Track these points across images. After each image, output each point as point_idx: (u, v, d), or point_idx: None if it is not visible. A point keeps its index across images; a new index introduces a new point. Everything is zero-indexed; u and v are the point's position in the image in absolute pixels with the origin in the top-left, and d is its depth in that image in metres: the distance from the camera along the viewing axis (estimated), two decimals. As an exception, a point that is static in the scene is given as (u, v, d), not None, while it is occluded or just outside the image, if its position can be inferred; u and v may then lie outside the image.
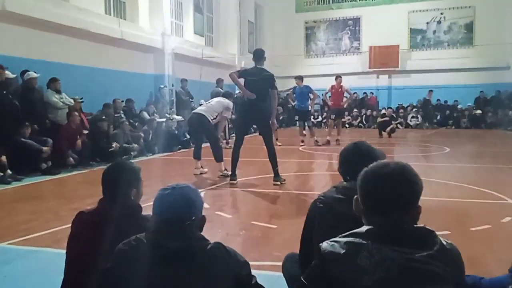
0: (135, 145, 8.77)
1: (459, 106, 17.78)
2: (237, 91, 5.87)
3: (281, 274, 2.16)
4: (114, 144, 8.08)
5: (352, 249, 1.19)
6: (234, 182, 5.94)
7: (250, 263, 3.07)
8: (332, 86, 11.16)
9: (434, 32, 19.17)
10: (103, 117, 8.42)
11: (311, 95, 11.23)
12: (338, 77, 11.14)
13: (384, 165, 1.31)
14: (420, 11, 19.08)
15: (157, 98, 11.81)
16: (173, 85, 12.25)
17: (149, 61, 12.04)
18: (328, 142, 10.83)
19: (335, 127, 11.39)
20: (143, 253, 1.39)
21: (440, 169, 7.41)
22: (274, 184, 5.82)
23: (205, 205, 4.68)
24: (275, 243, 3.51)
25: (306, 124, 11.21)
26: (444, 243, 1.24)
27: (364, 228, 1.24)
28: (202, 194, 5.11)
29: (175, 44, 12.68)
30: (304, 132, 11.19)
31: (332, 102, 11.25)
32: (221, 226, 4.02)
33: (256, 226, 3.95)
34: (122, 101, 9.61)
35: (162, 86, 11.90)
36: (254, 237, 3.70)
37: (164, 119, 10.75)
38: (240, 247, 3.47)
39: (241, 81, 5.90)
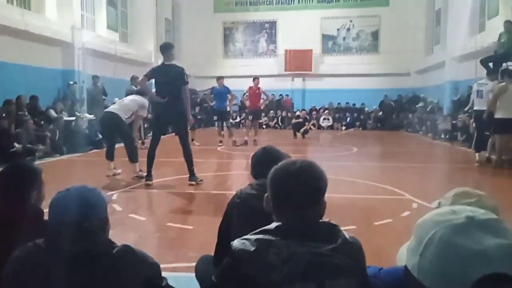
0: (40, 146, 8.16)
1: (365, 109, 19.05)
2: (153, 90, 5.73)
3: (196, 275, 2.17)
4: (16, 145, 7.45)
5: (261, 246, 1.21)
6: (150, 183, 5.77)
7: (165, 265, 3.03)
8: (250, 88, 11.36)
9: (344, 38, 20.34)
10: (3, 114, 7.73)
11: (229, 96, 11.31)
12: (255, 78, 11.36)
13: (291, 163, 1.37)
14: (331, 18, 20.11)
15: (65, 95, 11.09)
16: (83, 82, 11.60)
17: (57, 55, 11.27)
18: (245, 143, 10.99)
19: (252, 127, 11.59)
20: (41, 260, 1.31)
21: (348, 168, 7.87)
22: (190, 184, 5.75)
23: (118, 208, 4.52)
24: (191, 244, 3.49)
25: (224, 124, 11.27)
26: (347, 236, 1.30)
27: (273, 225, 1.27)
28: (115, 196, 4.95)
29: (86, 38, 12.01)
30: (222, 132, 11.24)
31: (250, 103, 11.45)
32: (135, 229, 3.90)
33: (171, 228, 3.89)
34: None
35: (71, 82, 11.20)
36: (169, 239, 3.64)
37: (73, 118, 10.13)
38: (155, 249, 3.39)
39: (152, 82, 5.72)
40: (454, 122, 12.32)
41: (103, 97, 11.69)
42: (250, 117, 11.58)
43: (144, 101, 6.63)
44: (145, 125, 11.40)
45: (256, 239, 1.23)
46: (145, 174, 5.99)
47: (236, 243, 1.25)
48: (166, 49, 5.80)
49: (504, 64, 10.08)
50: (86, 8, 13.25)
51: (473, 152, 8.29)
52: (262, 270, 1.18)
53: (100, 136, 9.79)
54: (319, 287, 1.19)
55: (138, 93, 7.08)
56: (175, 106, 5.66)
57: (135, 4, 16.14)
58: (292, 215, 1.29)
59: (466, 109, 11.58)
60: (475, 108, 8.14)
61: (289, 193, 1.30)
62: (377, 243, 3.32)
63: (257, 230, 1.27)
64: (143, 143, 10.14)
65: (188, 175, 5.84)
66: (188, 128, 5.96)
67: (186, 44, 20.25)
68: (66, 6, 11.32)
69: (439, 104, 15.36)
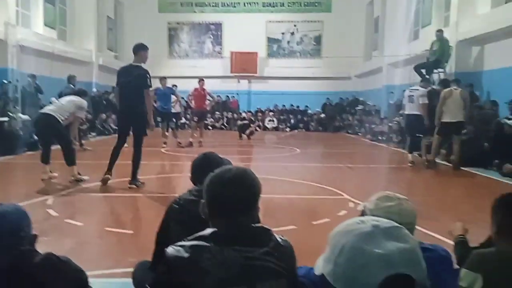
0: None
1: (309, 111, 19.56)
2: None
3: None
4: None
5: (196, 252, 1.23)
6: (108, 177, 5.70)
7: (103, 271, 2.98)
8: (195, 89, 11.30)
9: (288, 42, 20.77)
10: None
11: (173, 97, 11.17)
12: (201, 80, 11.31)
13: (226, 170, 1.40)
14: (276, 21, 20.47)
15: (-2, 95, 10.44)
16: (17, 81, 10.97)
17: (-11, 53, 10.59)
18: (190, 144, 10.92)
19: (198, 129, 11.53)
20: None
21: (291, 169, 8.06)
22: (129, 187, 5.63)
23: (54, 213, 4.35)
24: (131, 248, 3.43)
25: (168, 125, 11.12)
26: (279, 239, 1.36)
27: (208, 231, 1.30)
28: (50, 201, 4.75)
29: (21, 35, 11.38)
30: (166, 133, 11.08)
31: (195, 104, 11.38)
32: (71, 235, 3.77)
33: (110, 233, 3.80)
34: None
35: (5, 81, 10.57)
36: (108, 245, 3.56)
37: (6, 118, 9.56)
38: (93, 255, 3.31)
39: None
40: (390, 124, 12.97)
41: (39, 95, 11.12)
42: (196, 118, 11.52)
43: (82, 102, 6.38)
44: (86, 126, 11.01)
45: (191, 246, 1.25)
46: (84, 177, 5.91)
47: (171, 250, 1.25)
48: (138, 49, 5.77)
49: (435, 71, 10.81)
50: (21, 4, 12.54)
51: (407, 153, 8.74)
52: (196, 276, 1.20)
53: (36, 138, 9.31)
54: None
55: (76, 93, 6.81)
56: (136, 107, 5.64)
57: (75, 0, 15.52)
58: (226, 221, 1.32)
59: (401, 112, 12.26)
60: (406, 112, 8.53)
61: (224, 200, 1.34)
62: (315, 242, 3.42)
63: (192, 236, 1.29)
64: (81, 145, 9.79)
65: (130, 178, 5.72)
66: (147, 132, 5.94)
67: (129, 43, 19.64)
68: (-2, 2, 10.68)
69: (376, 107, 16.10)
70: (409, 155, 8.34)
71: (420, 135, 8.44)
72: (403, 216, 1.51)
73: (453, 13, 11.13)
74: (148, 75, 5.69)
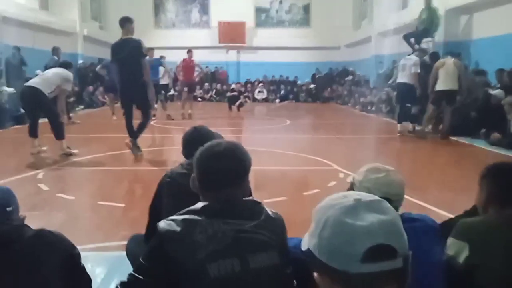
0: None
1: (298, 82, 19.47)
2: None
3: (128, 253, 2.19)
4: None
5: (187, 226, 1.24)
6: (139, 153, 5.78)
7: (96, 245, 3.01)
8: (184, 60, 11.13)
9: (277, 11, 20.40)
10: None
11: (161, 68, 11.01)
12: (189, 51, 11.13)
13: (216, 144, 1.41)
14: (264, -10, 20.04)
15: (-20, 68, 10.20)
16: (1, 53, 10.70)
17: (-32, 24, 10.27)
18: (184, 116, 10.83)
19: (186, 101, 11.44)
20: None
21: (281, 140, 8.10)
22: (126, 144, 5.70)
23: (44, 187, 4.35)
24: (123, 222, 3.47)
25: (157, 97, 11.00)
26: (270, 212, 1.38)
27: (199, 205, 1.31)
28: (40, 175, 4.74)
29: (2, 6, 11.01)
30: (155, 106, 10.98)
31: (184, 76, 11.24)
32: (63, 209, 3.78)
33: (102, 206, 3.82)
34: None
35: (-14, 53, 10.31)
36: (100, 218, 3.59)
37: (-10, 92, 9.38)
38: (85, 229, 3.34)
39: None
40: (379, 94, 13.01)
41: (23, 67, 10.89)
42: (186, 89, 11.40)
43: (68, 74, 6.26)
44: (73, 99, 10.86)
45: (182, 219, 1.26)
46: (73, 151, 5.93)
47: (163, 224, 1.27)
48: (124, 22, 5.81)
49: (424, 40, 10.77)
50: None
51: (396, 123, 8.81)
52: (188, 250, 1.22)
53: (23, 111, 9.17)
54: (241, 261, 1.25)
55: (61, 65, 6.66)
56: (135, 80, 5.69)
57: (56, -32, 14.98)
58: (217, 195, 1.33)
59: (390, 82, 12.25)
60: (398, 81, 8.54)
61: (214, 173, 1.35)
62: (306, 212, 3.48)
63: (183, 211, 1.30)
64: (69, 118, 9.68)
65: (130, 137, 5.76)
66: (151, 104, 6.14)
67: (114, 13, 19.17)
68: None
69: (365, 77, 16.08)
70: (398, 125, 8.40)
71: (410, 105, 8.50)
72: (391, 187, 1.54)
73: (442, -19, 10.99)
74: (141, 45, 5.76)
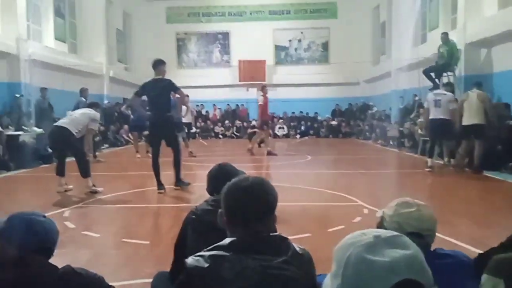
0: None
1: (318, 118, 19.54)
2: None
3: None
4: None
5: (215, 262, 1.24)
6: (162, 191, 6.01)
7: (121, 283, 3.01)
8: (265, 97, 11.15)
9: (296, 49, 20.83)
10: None
11: (184, 107, 11.23)
12: (264, 86, 11.41)
13: (244, 179, 1.42)
14: (283, 29, 20.56)
15: (12, 109, 10.62)
16: (30, 95, 11.15)
17: (2, 68, 10.78)
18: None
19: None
20: None
21: (303, 176, 8.06)
22: (175, 189, 6.08)
23: (70, 225, 4.41)
24: (148, 259, 3.46)
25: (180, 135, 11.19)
26: (297, 248, 1.37)
27: (227, 241, 1.31)
28: (67, 213, 4.81)
29: (33, 50, 11.58)
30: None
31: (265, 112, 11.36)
32: (88, 246, 3.81)
33: (127, 244, 3.83)
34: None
35: (18, 95, 10.75)
36: (125, 255, 3.59)
37: (21, 132, 9.72)
38: (110, 267, 3.34)
39: (140, 99, 6.50)
40: (401, 129, 12.90)
41: (51, 110, 11.29)
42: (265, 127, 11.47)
43: (96, 114, 6.48)
44: (96, 139, 11.11)
45: (210, 256, 1.26)
46: (98, 189, 6.00)
47: (190, 260, 1.27)
48: (157, 64, 6.28)
49: (444, 74, 10.76)
50: (32, 19, 12.77)
51: (426, 157, 8.47)
52: (216, 286, 1.21)
53: (50, 151, 9.44)
54: None
55: (89, 105, 6.92)
56: (165, 118, 6.10)
57: (84, 14, 15.76)
58: (244, 230, 1.33)
59: (411, 116, 12.16)
60: (432, 117, 8.13)
61: (241, 208, 1.35)
62: (331, 249, 3.43)
63: (211, 246, 1.31)
64: (95, 157, 9.89)
65: (175, 181, 6.18)
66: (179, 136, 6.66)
67: (138, 55, 19.97)
68: (10, 17, 10.87)
69: (386, 112, 16.04)
70: (429, 159, 8.16)
71: (447, 140, 8.39)
72: (423, 222, 1.51)
73: (460, 16, 11.08)
74: (172, 82, 6.26)
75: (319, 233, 4.10)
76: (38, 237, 1.45)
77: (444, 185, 7.09)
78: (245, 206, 1.36)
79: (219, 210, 1.44)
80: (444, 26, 12.60)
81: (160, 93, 6.07)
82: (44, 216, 1.55)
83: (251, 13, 20.66)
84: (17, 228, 1.43)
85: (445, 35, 10.34)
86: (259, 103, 11.38)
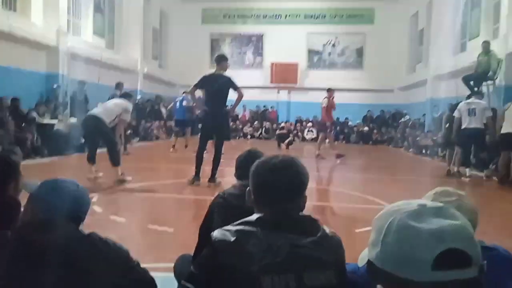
0: (18, 149, 8.00)
1: (349, 123, 19.26)
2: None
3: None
4: (-5, 146, 7.32)
5: (242, 236, 1.21)
6: (198, 183, 6.00)
7: (145, 265, 2.99)
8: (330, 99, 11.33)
9: (329, 54, 20.64)
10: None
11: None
12: (329, 89, 11.66)
13: (274, 157, 1.39)
14: (317, 33, 20.41)
15: (49, 99, 10.96)
16: (67, 86, 11.48)
17: (42, 59, 11.15)
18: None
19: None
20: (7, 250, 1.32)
21: (331, 178, 7.94)
22: (208, 186, 5.92)
23: (98, 209, 4.47)
24: (172, 245, 3.46)
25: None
26: (327, 231, 1.33)
27: (254, 216, 1.27)
28: (95, 198, 4.89)
29: (72, 43, 11.93)
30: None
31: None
32: (114, 230, 3.83)
33: (152, 230, 3.86)
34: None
35: (55, 86, 11.09)
36: (150, 241, 3.61)
37: (56, 121, 10.00)
38: (134, 251, 3.34)
39: (198, 92, 6.63)
40: (434, 138, 12.56)
41: (86, 103, 11.58)
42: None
43: (128, 104, 6.55)
44: (128, 132, 11.30)
45: (237, 230, 1.23)
46: (127, 178, 6.05)
47: (217, 233, 1.24)
48: (220, 60, 6.39)
49: (484, 83, 10.39)
50: (73, 13, 13.17)
51: (463, 168, 8.19)
52: (241, 261, 1.18)
53: (83, 141, 9.66)
54: (297, 278, 1.20)
55: (122, 96, 7.02)
56: (219, 113, 6.12)
57: (123, 11, 16.12)
58: (272, 207, 1.29)
59: (446, 126, 11.76)
60: (469, 126, 7.82)
61: (270, 185, 1.32)
62: (358, 248, 3.34)
63: (238, 222, 1.28)
64: (125, 149, 10.06)
65: (210, 176, 6.03)
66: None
67: (172, 53, 20.28)
68: (52, 11, 11.24)
69: (420, 120, 15.64)
70: (467, 169, 7.89)
71: (480, 150, 8.14)
72: (463, 212, 1.42)
73: (502, 25, 10.71)
74: (232, 79, 6.21)
75: (346, 233, 3.99)
76: (68, 204, 1.45)
77: (474, 195, 6.81)
78: (273, 183, 1.32)
79: (247, 188, 1.41)
80: (485, 35, 12.19)
81: (220, 88, 6.07)
82: (78, 185, 1.56)
83: (286, 16, 20.61)
84: (49, 193, 1.45)
85: (486, 44, 9.99)
86: (323, 105, 11.44)
